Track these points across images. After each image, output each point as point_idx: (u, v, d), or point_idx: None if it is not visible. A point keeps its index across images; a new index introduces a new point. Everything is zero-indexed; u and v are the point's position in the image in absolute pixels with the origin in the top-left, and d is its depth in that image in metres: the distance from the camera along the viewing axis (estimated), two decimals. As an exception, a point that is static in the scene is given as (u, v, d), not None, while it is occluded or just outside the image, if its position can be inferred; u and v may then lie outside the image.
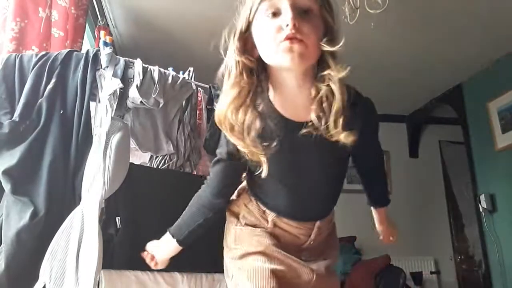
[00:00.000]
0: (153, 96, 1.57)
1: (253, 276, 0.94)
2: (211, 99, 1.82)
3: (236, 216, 1.08)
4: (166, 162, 1.80)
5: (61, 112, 1.45)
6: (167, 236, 1.13)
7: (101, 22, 2.76)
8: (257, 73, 0.92)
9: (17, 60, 1.49)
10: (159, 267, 1.20)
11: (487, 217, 3.52)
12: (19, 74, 1.46)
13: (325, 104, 0.87)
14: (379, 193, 1.24)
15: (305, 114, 0.91)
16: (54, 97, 1.45)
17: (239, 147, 0.91)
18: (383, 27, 2.76)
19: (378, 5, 2.16)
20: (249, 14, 0.89)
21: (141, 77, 1.57)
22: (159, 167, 1.79)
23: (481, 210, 3.55)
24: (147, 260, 1.18)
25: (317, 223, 1.04)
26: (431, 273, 4.10)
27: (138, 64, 1.61)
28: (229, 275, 1.07)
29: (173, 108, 1.76)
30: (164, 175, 1.73)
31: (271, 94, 0.94)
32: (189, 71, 1.85)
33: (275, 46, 0.85)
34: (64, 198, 1.39)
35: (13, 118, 1.38)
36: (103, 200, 1.37)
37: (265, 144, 0.89)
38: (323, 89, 0.87)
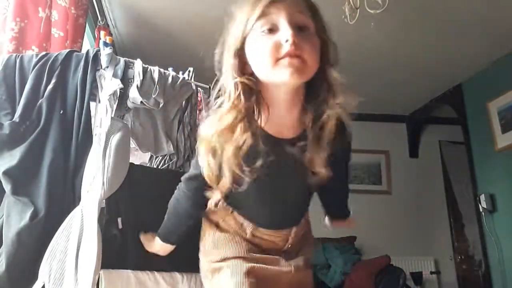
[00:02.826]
0: (153, 96, 1.57)
1: (233, 273, 0.97)
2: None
3: (215, 223, 1.10)
4: (166, 162, 1.80)
5: (61, 113, 1.45)
6: (159, 241, 1.20)
7: (101, 22, 2.76)
8: (256, 92, 0.88)
9: (18, 61, 1.49)
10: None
11: (487, 217, 3.53)
12: (19, 75, 1.46)
13: (319, 132, 0.88)
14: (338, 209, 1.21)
15: (288, 132, 0.93)
16: (54, 97, 1.45)
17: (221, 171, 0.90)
18: (383, 27, 2.77)
19: (378, 5, 2.16)
20: (244, 31, 0.86)
21: (141, 77, 1.57)
22: (159, 167, 1.79)
23: (481, 210, 3.55)
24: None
25: (294, 229, 1.07)
26: (431, 273, 4.10)
27: (138, 64, 1.61)
28: (207, 276, 1.08)
29: (173, 108, 1.76)
30: (164, 175, 1.72)
31: (259, 112, 0.91)
32: (189, 71, 1.85)
33: (273, 63, 0.82)
34: (64, 198, 1.39)
35: (14, 119, 1.38)
36: (103, 200, 1.37)
37: (249, 167, 0.88)
38: (324, 117, 0.87)
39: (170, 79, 1.67)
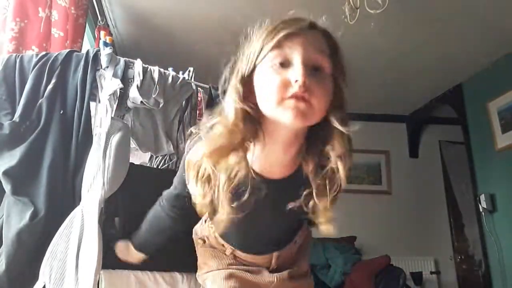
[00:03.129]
0: (153, 96, 1.57)
1: (213, 281, 1.03)
2: (211, 99, 1.82)
3: (202, 239, 1.13)
4: (166, 162, 1.80)
5: (61, 112, 1.45)
6: (133, 250, 1.21)
7: (101, 22, 2.76)
8: (255, 122, 0.80)
9: (18, 61, 1.49)
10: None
11: (487, 217, 3.52)
12: (19, 75, 1.46)
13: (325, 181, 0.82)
14: None
15: (279, 172, 0.87)
16: (54, 97, 1.45)
17: (201, 198, 0.84)
18: (383, 27, 2.77)
19: (378, 5, 2.16)
20: (256, 58, 0.79)
21: (141, 77, 1.57)
22: (159, 167, 1.79)
23: (481, 210, 3.55)
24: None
25: (275, 254, 1.05)
26: (431, 273, 4.10)
27: (138, 64, 1.61)
28: None
29: (173, 108, 1.76)
30: (164, 175, 1.72)
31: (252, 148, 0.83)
32: (189, 71, 1.85)
33: (278, 101, 0.76)
34: (64, 198, 1.39)
35: (14, 119, 1.38)
36: (103, 200, 1.36)
37: (235, 202, 0.82)
38: (328, 166, 0.81)
39: (170, 79, 1.67)
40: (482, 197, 3.51)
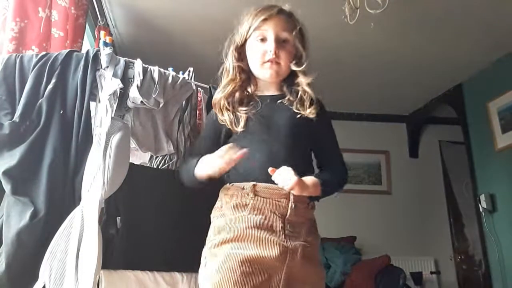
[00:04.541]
0: (153, 96, 1.57)
1: (224, 262, 1.06)
2: (211, 99, 1.82)
3: (219, 209, 1.22)
4: (166, 162, 1.80)
5: (61, 112, 1.45)
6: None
7: (101, 22, 2.77)
8: (248, 72, 1.30)
9: (18, 61, 1.49)
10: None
11: (487, 217, 3.53)
12: (19, 75, 1.46)
13: (299, 95, 1.26)
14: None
15: (272, 91, 1.31)
16: (54, 97, 1.45)
17: (225, 117, 1.24)
18: (383, 27, 2.77)
19: (378, 5, 2.16)
20: (246, 34, 1.27)
21: (141, 77, 1.57)
22: (159, 167, 1.79)
23: (481, 210, 3.55)
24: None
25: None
26: (431, 273, 4.10)
27: (138, 64, 1.60)
28: (203, 264, 1.17)
29: (173, 108, 1.76)
30: (164, 175, 1.72)
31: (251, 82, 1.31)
32: (189, 71, 1.84)
33: (260, 64, 1.26)
34: (64, 198, 1.39)
35: (14, 119, 1.38)
36: (103, 200, 1.36)
37: (246, 108, 1.24)
38: (300, 90, 1.26)
39: (170, 79, 1.67)
40: (482, 197, 3.52)
